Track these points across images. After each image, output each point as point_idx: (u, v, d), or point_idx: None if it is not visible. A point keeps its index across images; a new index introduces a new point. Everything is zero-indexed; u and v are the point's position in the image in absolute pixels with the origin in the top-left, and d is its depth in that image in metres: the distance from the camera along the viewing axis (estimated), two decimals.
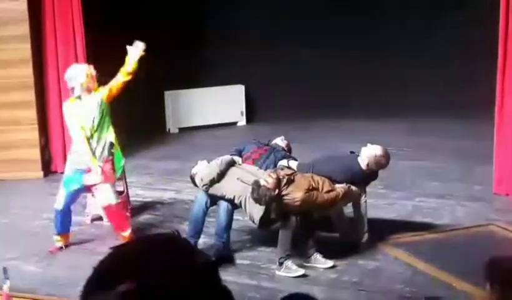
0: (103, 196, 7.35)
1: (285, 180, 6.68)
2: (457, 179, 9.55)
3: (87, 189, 7.48)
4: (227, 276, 1.71)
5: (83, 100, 7.22)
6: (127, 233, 7.36)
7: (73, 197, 7.46)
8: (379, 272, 6.70)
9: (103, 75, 11.22)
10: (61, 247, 7.50)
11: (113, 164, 7.41)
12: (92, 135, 7.23)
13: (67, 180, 7.39)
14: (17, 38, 10.18)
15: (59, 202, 7.41)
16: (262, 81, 14.12)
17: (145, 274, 1.32)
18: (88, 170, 7.24)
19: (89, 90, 7.23)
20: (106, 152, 7.31)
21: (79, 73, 7.24)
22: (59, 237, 7.53)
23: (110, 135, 7.32)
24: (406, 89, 13.73)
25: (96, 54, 10.95)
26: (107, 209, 7.47)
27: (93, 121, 7.19)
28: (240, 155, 7.55)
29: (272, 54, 14.18)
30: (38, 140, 10.41)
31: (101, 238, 7.71)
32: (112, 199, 7.36)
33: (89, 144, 7.21)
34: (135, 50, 7.34)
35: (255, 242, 7.44)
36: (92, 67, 7.43)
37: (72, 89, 7.27)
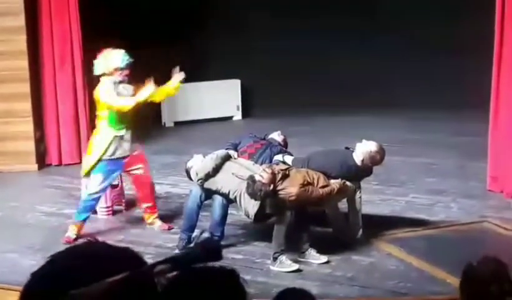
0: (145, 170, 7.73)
1: (280, 175, 6.68)
2: (451, 176, 9.57)
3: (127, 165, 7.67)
4: None
5: (122, 85, 7.43)
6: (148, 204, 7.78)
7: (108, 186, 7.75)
8: (373, 267, 6.71)
9: None
10: (76, 239, 7.49)
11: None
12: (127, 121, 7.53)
13: (110, 169, 7.52)
14: (13, 30, 10.16)
15: (94, 188, 7.52)
16: (258, 75, 14.12)
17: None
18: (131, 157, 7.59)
19: (126, 76, 7.42)
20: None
21: (121, 58, 7.39)
22: (77, 227, 7.53)
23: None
24: (401, 86, 13.74)
25: (92, 47, 10.95)
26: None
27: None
28: (236, 150, 7.55)
29: (268, 48, 14.18)
30: (33, 133, 10.40)
31: (96, 232, 7.70)
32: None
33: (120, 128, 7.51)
34: (176, 79, 7.64)
35: (250, 237, 7.45)
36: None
37: (127, 74, 7.41)
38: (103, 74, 7.39)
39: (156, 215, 7.89)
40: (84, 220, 7.56)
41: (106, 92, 7.36)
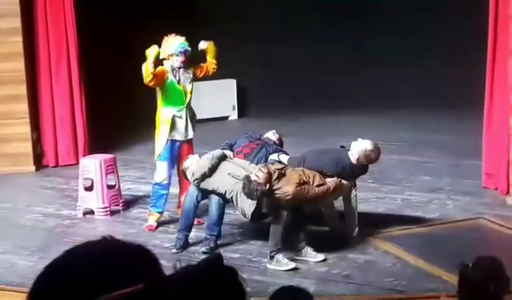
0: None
1: (276, 175, 6.70)
2: (447, 173, 9.60)
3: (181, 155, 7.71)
4: None
5: (180, 72, 7.69)
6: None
7: (171, 171, 7.78)
8: (370, 265, 6.73)
9: (97, 67, 11.26)
10: (157, 226, 7.77)
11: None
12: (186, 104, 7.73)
13: (165, 152, 7.66)
14: (9, 32, 10.17)
15: (161, 175, 7.67)
16: (254, 75, 14.13)
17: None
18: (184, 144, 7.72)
19: (182, 63, 7.68)
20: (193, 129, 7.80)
21: (186, 43, 7.69)
22: (156, 216, 7.77)
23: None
24: (396, 84, 13.77)
25: (88, 48, 10.96)
26: None
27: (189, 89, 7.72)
28: (232, 149, 7.56)
29: (264, 48, 14.19)
30: (30, 134, 10.40)
31: (93, 231, 7.71)
32: None
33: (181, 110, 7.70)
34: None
35: (246, 236, 7.47)
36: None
37: (184, 60, 7.65)
38: (164, 59, 7.64)
39: None
40: (161, 208, 7.78)
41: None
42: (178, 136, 7.72)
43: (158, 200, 7.79)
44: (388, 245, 7.14)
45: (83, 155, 9.98)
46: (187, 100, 7.75)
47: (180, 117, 7.71)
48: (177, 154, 7.75)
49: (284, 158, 7.35)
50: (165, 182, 7.74)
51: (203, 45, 8.03)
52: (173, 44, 7.63)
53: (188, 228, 7.18)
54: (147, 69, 7.40)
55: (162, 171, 7.72)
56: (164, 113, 7.72)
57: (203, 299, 1.45)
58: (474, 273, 3.65)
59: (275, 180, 6.66)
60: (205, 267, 1.51)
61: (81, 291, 1.33)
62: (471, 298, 3.67)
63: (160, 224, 7.88)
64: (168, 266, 1.45)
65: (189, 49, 7.69)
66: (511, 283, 3.75)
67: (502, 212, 8.03)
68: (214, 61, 7.99)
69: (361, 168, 7.24)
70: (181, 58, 7.64)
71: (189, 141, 7.83)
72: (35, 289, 1.41)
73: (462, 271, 3.71)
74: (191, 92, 7.79)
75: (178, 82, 7.69)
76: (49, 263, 1.43)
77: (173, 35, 7.71)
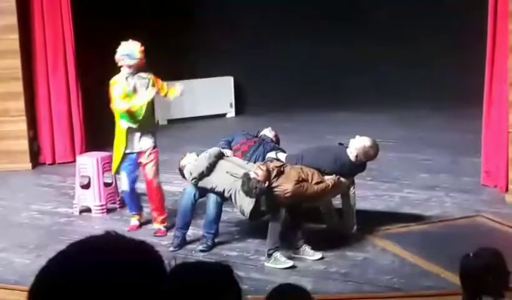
0: (151, 177, 7.56)
1: (274, 172, 6.68)
2: (445, 171, 9.59)
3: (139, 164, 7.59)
4: None
5: (135, 77, 7.34)
6: (159, 218, 7.60)
7: (132, 176, 7.59)
8: (368, 263, 6.71)
9: (93, 66, 11.21)
10: (139, 225, 7.77)
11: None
12: (142, 114, 7.38)
13: (123, 165, 7.55)
14: (5, 29, 10.13)
15: (124, 184, 7.62)
16: (251, 73, 14.13)
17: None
18: (140, 155, 7.48)
19: (140, 67, 7.35)
20: (154, 139, 7.60)
21: (135, 49, 7.32)
22: (136, 216, 7.79)
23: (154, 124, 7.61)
24: (395, 81, 13.77)
25: (85, 45, 10.94)
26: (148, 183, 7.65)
27: (141, 99, 7.33)
28: (230, 146, 7.54)
29: (261, 45, 14.19)
30: (26, 132, 10.38)
31: (90, 229, 7.69)
32: (155, 183, 7.61)
33: (135, 122, 7.41)
34: (177, 89, 7.67)
35: (244, 234, 7.45)
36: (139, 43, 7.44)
37: (129, 65, 7.31)
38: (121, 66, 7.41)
39: (159, 220, 7.66)
40: (136, 211, 7.77)
41: (111, 92, 7.33)
42: (134, 149, 7.52)
43: (131, 204, 7.79)
44: (386, 243, 7.12)
45: (80, 153, 9.95)
46: (143, 111, 7.39)
47: (137, 129, 7.44)
48: (136, 163, 7.57)
49: (282, 156, 7.33)
50: (129, 188, 7.60)
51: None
52: (119, 49, 7.33)
53: (185, 226, 7.17)
54: (133, 107, 7.28)
55: (123, 180, 7.62)
56: (121, 125, 7.46)
57: (199, 297, 1.43)
58: (474, 263, 3.68)
59: (273, 178, 6.65)
60: (200, 265, 1.49)
61: (84, 290, 1.30)
62: (472, 288, 3.69)
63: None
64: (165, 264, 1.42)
65: (134, 55, 7.26)
66: (511, 279, 3.76)
67: (501, 209, 8.01)
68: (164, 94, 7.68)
69: (359, 165, 7.22)
70: (125, 63, 7.31)
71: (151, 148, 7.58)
72: (37, 287, 1.37)
73: (463, 261, 3.74)
74: (150, 101, 7.43)
75: (134, 90, 7.34)
76: (52, 257, 1.39)
77: (130, 40, 7.39)
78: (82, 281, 1.30)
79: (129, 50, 7.31)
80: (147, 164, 7.54)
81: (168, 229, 7.60)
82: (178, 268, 1.46)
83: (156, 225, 7.66)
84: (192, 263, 1.56)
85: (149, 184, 7.63)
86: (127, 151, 7.51)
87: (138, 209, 7.84)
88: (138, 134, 7.48)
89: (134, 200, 7.76)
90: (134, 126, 7.43)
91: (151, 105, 7.59)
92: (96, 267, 1.32)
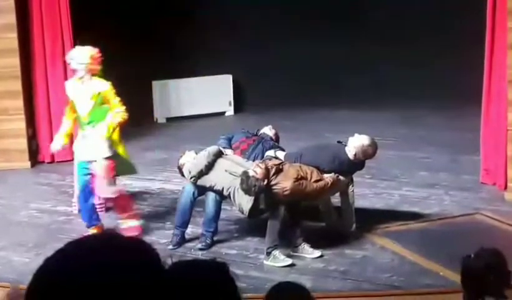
0: (102, 190, 7.23)
1: (273, 170, 6.68)
2: (444, 169, 9.58)
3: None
4: None
5: (85, 83, 7.08)
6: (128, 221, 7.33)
7: (85, 185, 7.28)
8: (367, 261, 6.71)
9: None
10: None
11: (115, 161, 7.24)
12: (88, 122, 7.10)
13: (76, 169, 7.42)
14: (4, 28, 10.12)
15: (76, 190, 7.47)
16: (250, 71, 14.12)
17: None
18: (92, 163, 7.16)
19: (92, 73, 7.08)
20: (107, 149, 7.11)
21: (83, 54, 7.08)
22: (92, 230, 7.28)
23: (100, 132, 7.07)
24: (394, 80, 13.76)
25: (83, 43, 10.92)
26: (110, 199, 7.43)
27: (87, 107, 7.07)
28: (230, 144, 7.54)
29: (260, 43, 14.18)
30: (25, 130, 10.37)
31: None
32: (109, 194, 7.31)
33: (83, 129, 7.13)
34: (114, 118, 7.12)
35: (243, 232, 7.45)
36: (96, 50, 7.25)
37: (75, 70, 7.14)
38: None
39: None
40: (88, 222, 7.37)
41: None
42: (81, 156, 7.27)
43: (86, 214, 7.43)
44: (385, 241, 7.12)
45: None
46: (86, 119, 7.08)
47: (82, 137, 7.18)
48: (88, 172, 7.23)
49: (281, 154, 7.33)
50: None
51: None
52: (68, 55, 7.17)
53: (184, 224, 7.16)
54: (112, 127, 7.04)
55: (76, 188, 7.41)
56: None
57: (195, 295, 1.43)
58: (475, 263, 3.69)
59: (272, 176, 6.65)
60: (196, 263, 1.49)
61: (81, 289, 1.30)
62: (473, 288, 3.69)
63: (157, 220, 7.86)
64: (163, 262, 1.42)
65: (79, 60, 7.00)
66: None
67: (500, 207, 8.02)
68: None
69: (358, 164, 7.22)
70: (71, 66, 7.15)
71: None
72: (34, 286, 1.36)
73: (464, 261, 3.74)
74: (95, 109, 7.07)
75: (77, 96, 7.09)
76: (50, 256, 1.39)
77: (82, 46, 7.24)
78: (79, 280, 1.30)
79: (76, 54, 7.10)
80: (99, 171, 7.17)
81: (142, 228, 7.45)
82: (174, 266, 1.46)
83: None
84: (188, 261, 1.55)
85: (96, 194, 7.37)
86: (77, 158, 7.34)
87: (96, 220, 7.42)
88: (84, 142, 7.17)
89: (89, 210, 7.39)
90: (80, 134, 7.21)
91: (102, 111, 7.13)
92: (93, 267, 1.32)
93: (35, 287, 1.34)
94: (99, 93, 7.04)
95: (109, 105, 7.08)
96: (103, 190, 7.25)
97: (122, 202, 7.45)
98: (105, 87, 7.06)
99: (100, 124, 7.07)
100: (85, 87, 7.06)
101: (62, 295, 1.30)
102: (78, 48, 7.28)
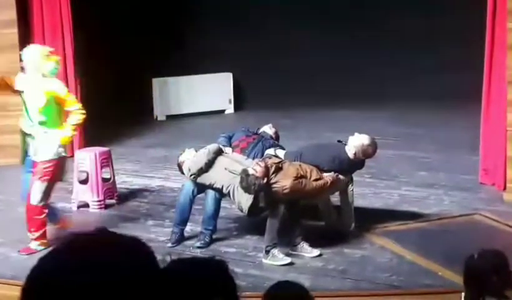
0: (32, 192, 6.87)
1: (273, 169, 6.68)
2: (443, 169, 9.58)
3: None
4: None
5: (35, 81, 6.75)
6: (33, 235, 6.93)
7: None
8: (366, 260, 6.71)
9: (92, 60, 11.19)
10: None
11: (59, 167, 6.89)
12: (40, 121, 6.76)
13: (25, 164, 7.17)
14: (4, 23, 10.11)
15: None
16: (250, 69, 14.12)
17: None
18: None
19: (43, 72, 6.76)
20: (52, 152, 6.78)
21: (33, 53, 6.82)
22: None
23: (57, 134, 6.77)
24: (393, 79, 13.76)
25: (83, 40, 10.92)
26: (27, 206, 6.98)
27: (39, 103, 6.74)
28: (230, 142, 7.53)
29: (260, 42, 14.19)
30: None
31: (87, 225, 7.67)
32: (34, 200, 6.86)
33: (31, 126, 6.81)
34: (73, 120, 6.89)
35: (242, 230, 7.44)
36: (48, 47, 7.10)
37: (22, 68, 6.90)
38: None
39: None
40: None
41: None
42: (30, 152, 6.94)
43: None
44: (385, 241, 7.11)
45: (79, 148, 9.92)
46: (34, 117, 6.75)
47: (29, 135, 6.89)
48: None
49: (280, 153, 7.32)
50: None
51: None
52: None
53: (183, 222, 7.15)
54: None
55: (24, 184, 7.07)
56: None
57: (194, 292, 1.42)
58: (479, 263, 3.69)
59: (272, 174, 6.64)
60: (195, 261, 1.48)
61: (75, 286, 1.29)
62: (476, 288, 3.69)
63: (156, 218, 7.86)
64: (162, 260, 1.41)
65: (25, 57, 6.75)
66: None
67: (499, 207, 8.01)
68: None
69: (357, 163, 7.22)
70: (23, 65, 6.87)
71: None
72: (29, 286, 1.36)
73: (467, 261, 3.75)
74: (45, 109, 6.73)
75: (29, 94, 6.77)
76: (43, 255, 1.39)
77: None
78: (73, 279, 1.29)
79: (24, 51, 6.85)
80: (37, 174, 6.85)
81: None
82: (172, 264, 1.45)
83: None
84: (187, 259, 1.55)
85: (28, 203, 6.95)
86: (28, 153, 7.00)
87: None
88: (32, 141, 6.88)
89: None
90: (28, 131, 6.89)
91: (53, 111, 6.81)
92: (87, 265, 1.31)
93: (30, 287, 1.34)
94: (53, 91, 6.73)
95: (64, 104, 6.81)
96: (33, 194, 6.85)
97: (36, 217, 6.94)
98: (56, 86, 6.80)
99: (55, 124, 6.78)
100: (37, 83, 6.73)
101: (56, 295, 1.29)
102: (30, 46, 7.02)
